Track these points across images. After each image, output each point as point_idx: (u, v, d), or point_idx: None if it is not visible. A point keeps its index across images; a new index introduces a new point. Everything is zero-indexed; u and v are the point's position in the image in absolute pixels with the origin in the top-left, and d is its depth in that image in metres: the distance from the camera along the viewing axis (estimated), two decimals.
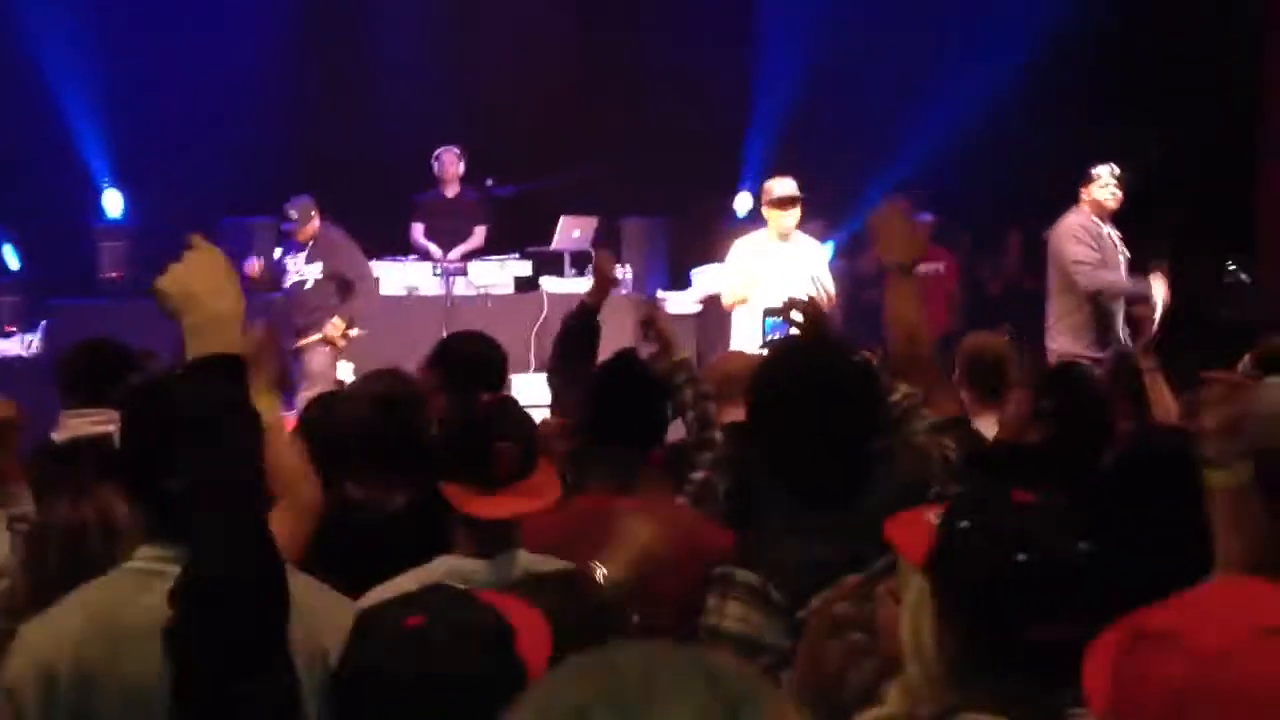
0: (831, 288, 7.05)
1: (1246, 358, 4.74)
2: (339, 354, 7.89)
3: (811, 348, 2.78)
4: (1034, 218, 11.57)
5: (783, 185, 7.05)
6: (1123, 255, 6.93)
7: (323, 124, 10.95)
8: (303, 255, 8.18)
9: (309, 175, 10.61)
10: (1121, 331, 6.75)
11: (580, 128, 11.39)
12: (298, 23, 11.07)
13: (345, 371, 7.64)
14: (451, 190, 9.66)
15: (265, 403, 2.49)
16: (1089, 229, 6.85)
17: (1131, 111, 10.54)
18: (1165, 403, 4.30)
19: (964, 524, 1.72)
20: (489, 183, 9.92)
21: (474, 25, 11.53)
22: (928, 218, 11.58)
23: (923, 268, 11.10)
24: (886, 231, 3.15)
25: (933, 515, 1.81)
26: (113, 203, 9.82)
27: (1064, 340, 6.83)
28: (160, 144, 10.17)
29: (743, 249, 7.10)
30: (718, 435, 3.36)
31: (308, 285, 8.07)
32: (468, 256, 9.42)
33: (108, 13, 10.22)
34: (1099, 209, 6.89)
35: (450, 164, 9.60)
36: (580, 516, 2.83)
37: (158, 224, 9.63)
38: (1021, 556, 1.65)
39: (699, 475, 3.27)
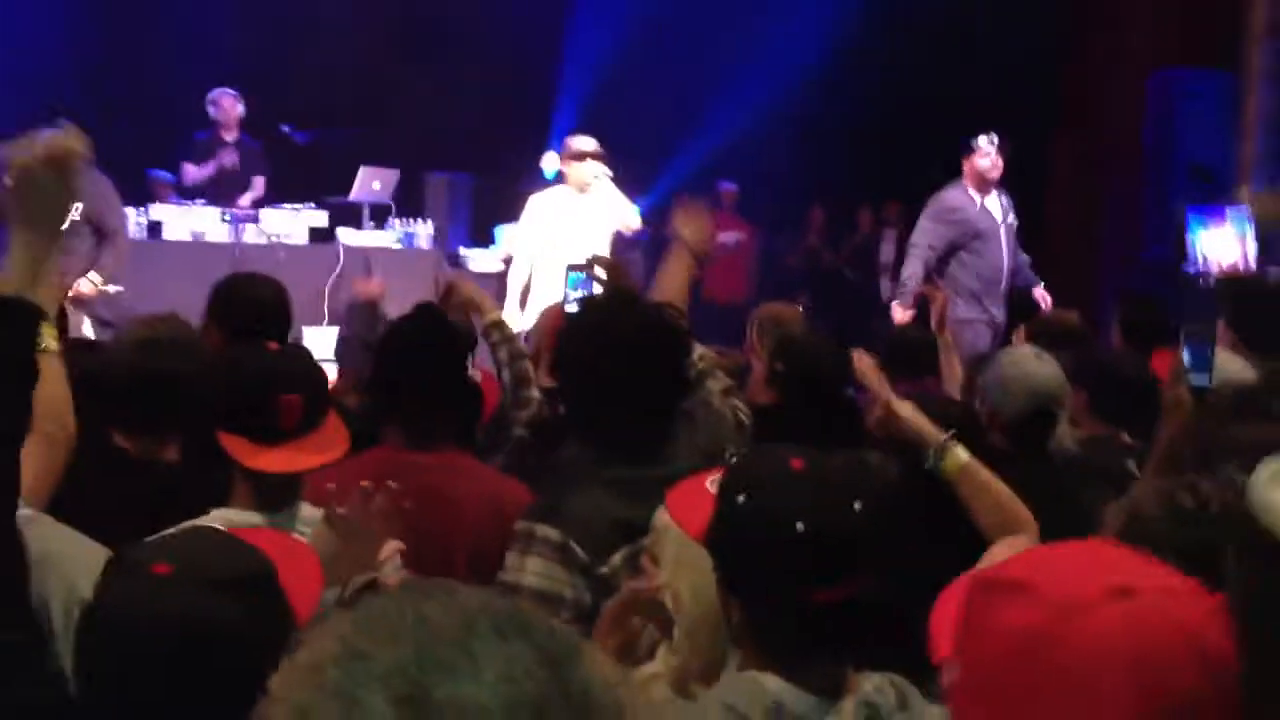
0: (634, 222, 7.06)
1: (1020, 328, 4.96)
2: (83, 310, 7.21)
3: (621, 302, 2.73)
4: (836, 194, 11.95)
5: (581, 140, 7.05)
6: (1005, 224, 6.94)
7: (106, 62, 10.39)
8: None
9: (80, 104, 10.06)
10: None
11: (387, 79, 11.10)
12: None
13: (88, 329, 7.03)
14: (231, 135, 9.09)
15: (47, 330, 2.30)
16: (954, 205, 6.89)
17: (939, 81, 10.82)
18: (955, 375, 4.40)
19: (741, 498, 1.74)
20: (286, 129, 9.55)
21: None
22: (730, 187, 11.77)
23: (723, 237, 11.35)
24: (688, 220, 3.27)
25: (710, 484, 1.83)
26: None
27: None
28: None
29: (540, 204, 7.05)
30: (534, 394, 3.31)
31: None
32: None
33: None
34: (979, 179, 6.88)
35: (229, 107, 9.01)
36: (368, 469, 2.71)
37: None
38: (800, 526, 1.68)
39: (515, 433, 3.22)
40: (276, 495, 2.40)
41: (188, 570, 1.54)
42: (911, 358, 4.47)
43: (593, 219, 6.86)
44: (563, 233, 6.74)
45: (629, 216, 7.05)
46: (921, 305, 6.35)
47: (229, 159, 8.93)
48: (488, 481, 2.97)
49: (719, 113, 11.62)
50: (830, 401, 3.31)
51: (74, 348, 3.02)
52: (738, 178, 11.60)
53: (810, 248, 11.77)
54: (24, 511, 1.98)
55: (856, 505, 1.72)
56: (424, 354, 2.96)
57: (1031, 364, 3.36)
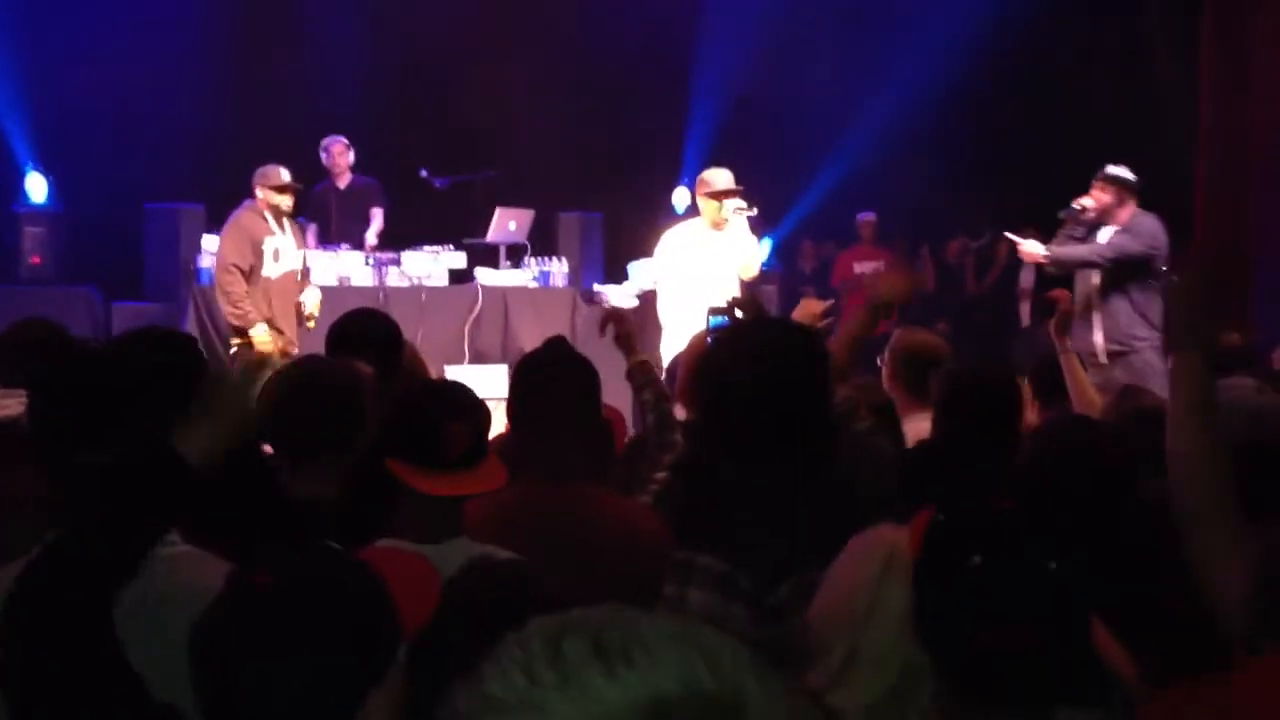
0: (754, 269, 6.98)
1: None
2: None
3: (762, 327, 2.71)
4: (972, 221, 11.79)
5: (718, 175, 6.92)
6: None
7: (248, 111, 10.76)
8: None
9: (234, 162, 10.45)
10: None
11: (519, 121, 11.31)
12: (224, 7, 10.87)
13: None
14: (343, 181, 9.36)
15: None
16: (1157, 229, 6.71)
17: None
18: (1082, 386, 4.25)
19: (939, 518, 1.71)
20: (423, 173, 9.79)
21: (408, 12, 11.38)
22: (868, 216, 11.67)
23: (860, 268, 11.26)
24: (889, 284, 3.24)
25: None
26: (36, 187, 9.56)
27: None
28: (85, 128, 9.95)
29: (674, 240, 7.02)
30: (678, 437, 3.29)
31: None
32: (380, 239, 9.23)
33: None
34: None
35: (339, 154, 9.28)
36: (512, 502, 2.75)
37: (82, 209, 9.43)
38: (977, 559, 1.64)
39: (660, 475, 3.20)
40: (440, 526, 2.43)
41: (289, 583, 1.56)
42: (1058, 381, 4.34)
43: (725, 256, 6.77)
44: (695, 269, 6.69)
45: (752, 261, 6.93)
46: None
47: (336, 207, 9.26)
48: (626, 514, 2.98)
49: (854, 140, 11.56)
50: (1000, 435, 3.24)
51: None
52: (874, 205, 11.52)
53: (949, 275, 11.59)
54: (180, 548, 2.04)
55: (1051, 564, 1.66)
56: (559, 386, 2.97)
57: (1252, 396, 3.01)
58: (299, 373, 3.10)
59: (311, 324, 7.46)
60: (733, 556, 2.30)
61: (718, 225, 6.82)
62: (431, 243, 9.25)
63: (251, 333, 7.25)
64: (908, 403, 4.04)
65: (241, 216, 7.50)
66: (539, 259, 9.45)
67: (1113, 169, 6.75)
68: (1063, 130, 10.80)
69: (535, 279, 9.33)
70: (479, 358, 8.70)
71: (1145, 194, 6.81)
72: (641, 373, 3.52)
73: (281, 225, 7.52)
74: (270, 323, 7.35)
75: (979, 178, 11.37)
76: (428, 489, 2.38)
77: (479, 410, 2.54)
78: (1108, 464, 2.78)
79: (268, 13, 11.08)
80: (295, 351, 7.11)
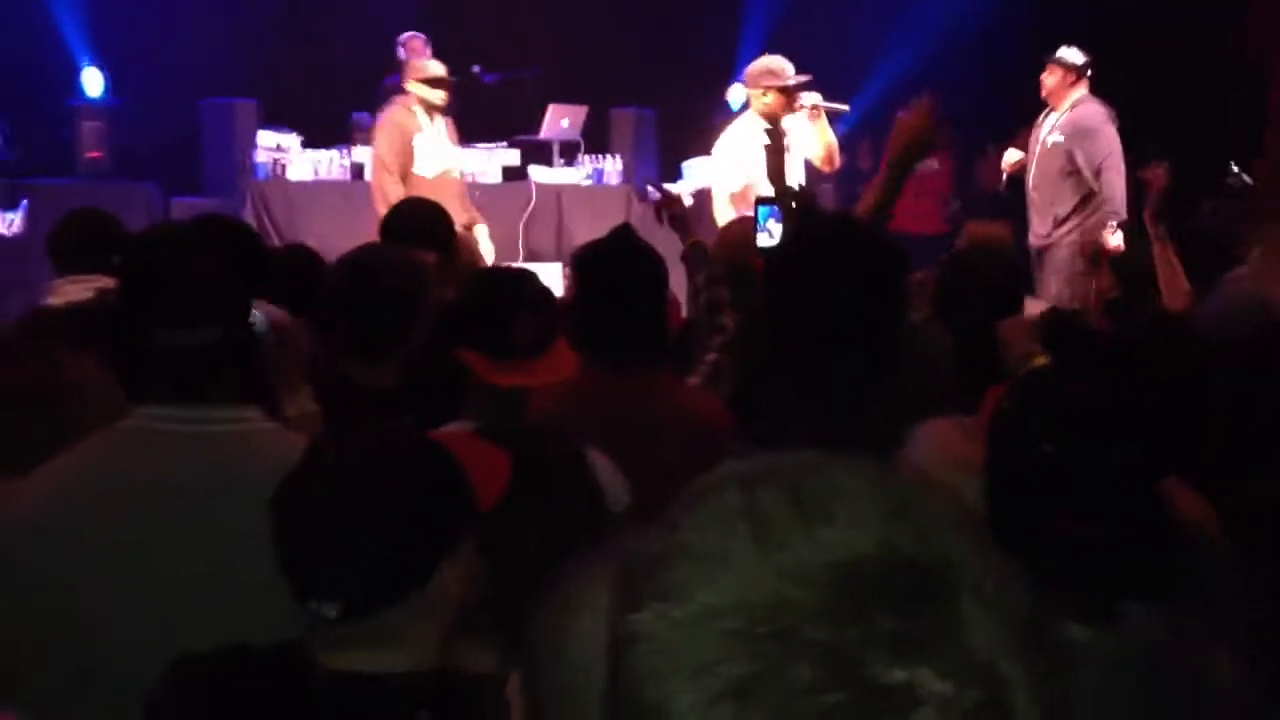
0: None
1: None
2: None
3: (844, 224, 2.64)
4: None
5: (788, 66, 6.37)
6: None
7: (308, 6, 10.72)
8: None
9: (291, 57, 10.44)
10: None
11: (569, 15, 11.17)
12: None
13: None
14: None
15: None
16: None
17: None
18: (1177, 277, 4.18)
19: (1006, 405, 1.69)
20: (476, 69, 9.70)
21: None
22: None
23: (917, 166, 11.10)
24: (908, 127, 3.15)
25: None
26: (92, 81, 9.60)
27: None
28: (140, 22, 9.94)
29: (736, 138, 6.75)
30: (728, 320, 3.31)
31: None
32: None
33: None
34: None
35: (418, 50, 9.21)
36: (580, 391, 2.77)
37: (139, 105, 9.47)
38: (1048, 447, 1.61)
39: (710, 358, 3.23)
40: (505, 414, 2.45)
41: (364, 455, 1.60)
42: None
43: (792, 152, 6.37)
44: (756, 165, 6.48)
45: (833, 152, 6.52)
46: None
47: None
48: (693, 402, 3.00)
49: (916, 33, 11.32)
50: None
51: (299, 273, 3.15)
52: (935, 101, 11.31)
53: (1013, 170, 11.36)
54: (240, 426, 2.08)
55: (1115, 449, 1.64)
56: (626, 275, 2.97)
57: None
58: (356, 262, 3.11)
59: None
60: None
61: (775, 119, 6.36)
62: (485, 140, 9.22)
63: None
64: None
65: (394, 112, 7.05)
66: (593, 156, 9.40)
67: (1062, 50, 6.83)
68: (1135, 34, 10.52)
69: (589, 177, 9.29)
70: (533, 256, 8.71)
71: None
72: (696, 254, 3.53)
73: (433, 121, 7.05)
74: None
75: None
76: (496, 379, 2.40)
77: (548, 299, 2.55)
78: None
79: None
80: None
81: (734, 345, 3.33)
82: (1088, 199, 6.65)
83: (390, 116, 6.99)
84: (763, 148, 6.11)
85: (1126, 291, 4.37)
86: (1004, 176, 6.92)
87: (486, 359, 2.40)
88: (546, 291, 2.58)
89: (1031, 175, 6.82)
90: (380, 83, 9.27)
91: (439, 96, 6.97)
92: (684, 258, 3.55)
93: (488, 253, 6.88)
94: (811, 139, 6.47)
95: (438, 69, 7.02)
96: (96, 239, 4.08)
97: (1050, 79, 6.79)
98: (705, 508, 0.77)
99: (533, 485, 1.77)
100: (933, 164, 11.03)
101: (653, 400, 2.90)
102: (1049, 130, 6.83)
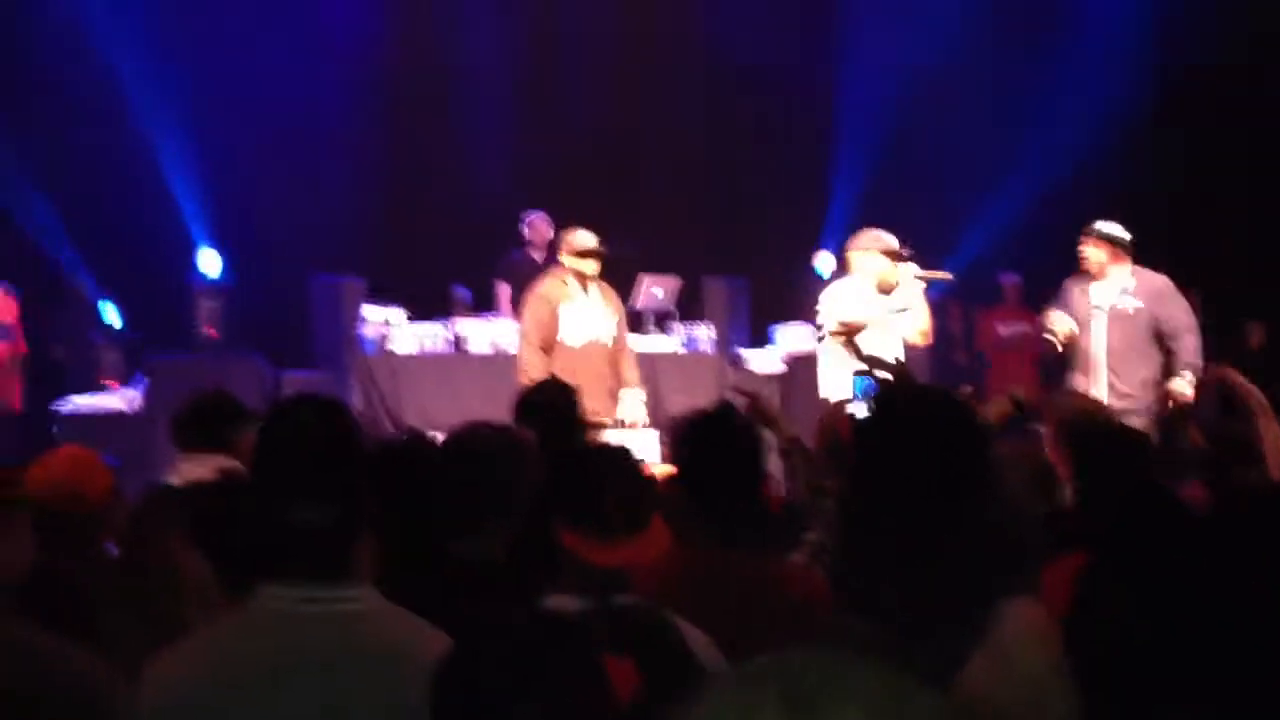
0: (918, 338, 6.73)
1: None
2: None
3: (920, 394, 2.72)
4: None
5: (892, 237, 6.63)
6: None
7: (410, 186, 11.24)
8: None
9: (397, 237, 10.91)
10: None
11: (662, 188, 11.54)
12: (388, 86, 11.39)
13: None
14: (540, 255, 9.72)
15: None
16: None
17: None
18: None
19: (1110, 585, 1.72)
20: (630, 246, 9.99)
21: (557, 87, 11.76)
22: (1013, 278, 11.56)
23: (1005, 330, 11.13)
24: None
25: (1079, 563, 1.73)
26: (209, 262, 10.10)
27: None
28: (255, 204, 10.50)
29: (840, 295, 6.67)
30: (829, 503, 3.39)
31: None
32: None
33: (206, 77, 10.59)
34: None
35: (541, 229, 9.66)
36: (679, 573, 2.85)
37: (252, 283, 9.93)
38: (1152, 633, 1.61)
39: (812, 536, 3.29)
40: (606, 594, 2.54)
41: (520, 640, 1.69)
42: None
43: (893, 318, 6.57)
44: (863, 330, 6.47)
45: (926, 326, 6.66)
46: None
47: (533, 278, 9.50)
48: (794, 577, 3.06)
49: (1000, 200, 11.50)
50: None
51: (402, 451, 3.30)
52: (1022, 267, 11.42)
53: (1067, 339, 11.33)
54: (362, 605, 2.21)
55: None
56: (731, 452, 3.06)
57: None
58: (459, 439, 3.27)
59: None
60: (880, 617, 2.37)
61: (886, 288, 6.59)
62: None
63: None
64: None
65: (543, 284, 7.20)
66: (686, 324, 9.60)
67: (1103, 225, 7.08)
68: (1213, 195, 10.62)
69: (683, 345, 9.47)
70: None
71: None
72: (795, 448, 3.64)
73: (586, 290, 7.12)
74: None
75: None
76: (588, 555, 2.48)
77: (640, 475, 2.64)
78: None
79: (426, 91, 11.56)
80: (607, 423, 6.82)
81: (836, 527, 3.36)
82: (1166, 362, 6.89)
83: (538, 288, 7.16)
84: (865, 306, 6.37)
85: (1222, 458, 4.34)
86: (1058, 342, 7.03)
87: (581, 536, 2.49)
88: (639, 465, 2.68)
89: (1105, 340, 6.97)
90: (504, 257, 9.70)
91: (590, 267, 7.09)
92: (783, 453, 3.67)
93: (637, 416, 7.16)
94: (909, 314, 6.59)
95: (587, 241, 7.12)
96: (216, 418, 4.29)
97: (1098, 252, 7.04)
98: (715, 694, 0.86)
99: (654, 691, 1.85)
100: (1023, 328, 11.05)
101: (757, 576, 2.95)
102: (1119, 295, 7.01)
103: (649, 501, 2.56)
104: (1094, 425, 4.01)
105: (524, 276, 9.58)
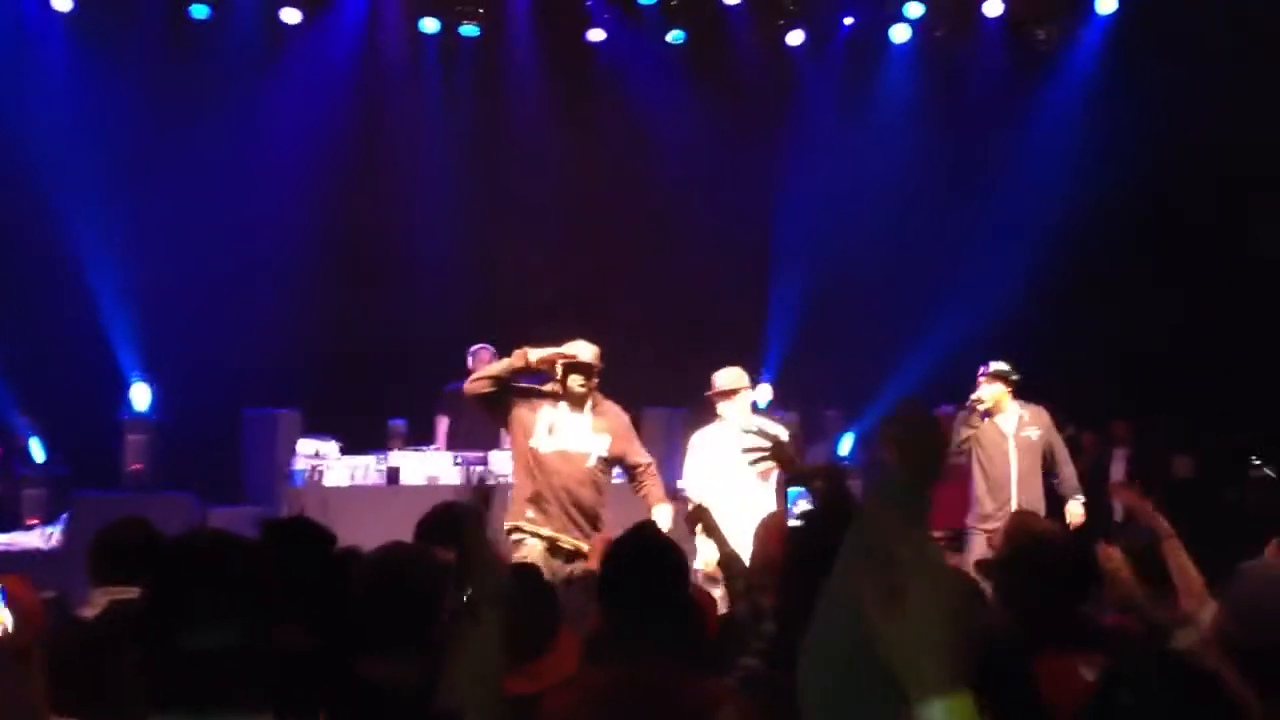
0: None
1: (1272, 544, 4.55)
2: None
3: (845, 512, 2.67)
4: (1073, 413, 11.68)
5: (724, 377, 7.30)
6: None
7: (347, 319, 11.18)
8: None
9: (331, 369, 10.81)
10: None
11: (601, 319, 11.57)
12: (325, 216, 11.40)
13: None
14: None
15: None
16: None
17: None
18: (1190, 578, 4.13)
19: (1128, 699, 1.62)
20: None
21: (500, 224, 11.84)
22: (948, 410, 11.60)
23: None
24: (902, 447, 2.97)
25: (1087, 671, 1.73)
26: (140, 396, 9.95)
27: None
28: (186, 338, 10.38)
29: (702, 440, 7.25)
30: (771, 627, 3.28)
31: None
32: None
33: (139, 206, 10.55)
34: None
35: (486, 360, 9.66)
36: (595, 689, 2.76)
37: (183, 417, 9.77)
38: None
39: (749, 662, 3.19)
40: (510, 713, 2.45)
41: None
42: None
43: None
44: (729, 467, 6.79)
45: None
46: None
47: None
48: (706, 697, 2.97)
49: (936, 334, 11.61)
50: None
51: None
52: (957, 400, 11.49)
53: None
54: None
55: None
56: (648, 569, 3.00)
57: None
58: (376, 563, 3.18)
59: None
60: None
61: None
62: None
63: None
64: None
65: (533, 389, 6.81)
66: None
67: (998, 364, 8.09)
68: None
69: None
70: None
71: None
72: (730, 564, 3.57)
73: (579, 405, 6.71)
74: (535, 498, 6.60)
75: (1059, 369, 11.34)
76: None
77: (539, 598, 2.57)
78: None
79: (362, 221, 11.58)
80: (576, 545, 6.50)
81: (773, 652, 3.22)
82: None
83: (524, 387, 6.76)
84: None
85: (1148, 589, 4.29)
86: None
87: None
88: (543, 590, 2.61)
89: (1015, 466, 7.92)
90: (446, 388, 9.65)
91: (576, 381, 6.66)
92: (720, 565, 3.58)
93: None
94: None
95: (575, 351, 6.71)
96: (133, 548, 4.12)
97: (996, 388, 8.04)
98: None
99: None
100: (962, 460, 11.05)
101: (670, 695, 2.87)
102: (1021, 426, 8.01)
103: (551, 625, 2.49)
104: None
105: (465, 408, 9.57)
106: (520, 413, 6.63)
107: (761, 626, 3.34)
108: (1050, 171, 11.45)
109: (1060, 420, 11.45)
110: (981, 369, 8.13)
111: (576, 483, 6.61)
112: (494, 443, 9.47)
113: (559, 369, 6.64)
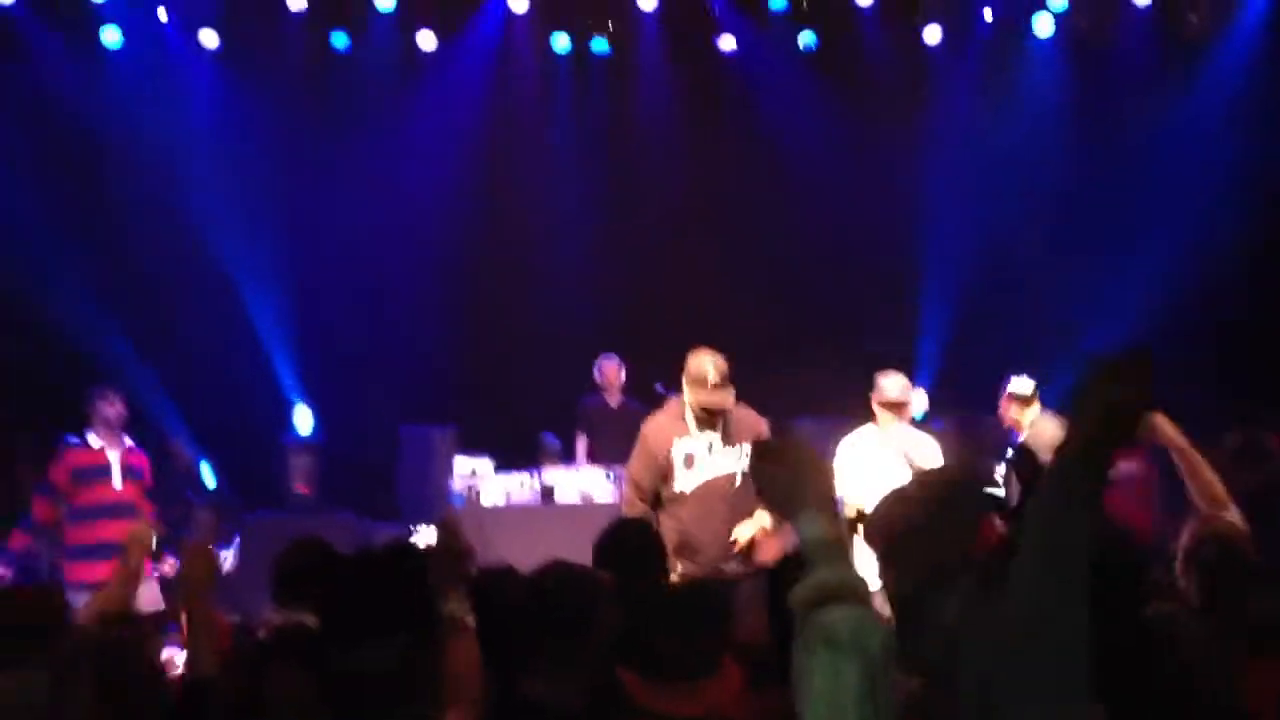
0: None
1: None
2: None
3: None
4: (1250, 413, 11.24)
5: (893, 385, 7.11)
6: None
7: (498, 336, 11.37)
8: None
9: (486, 386, 11.00)
10: None
11: (744, 331, 11.53)
12: (465, 237, 11.57)
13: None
14: (615, 399, 9.81)
15: (456, 604, 2.57)
16: None
17: None
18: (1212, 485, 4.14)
19: None
20: (659, 387, 10.05)
21: (636, 236, 11.88)
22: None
23: (1112, 472, 10.83)
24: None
25: None
26: (303, 419, 10.26)
27: None
28: (346, 358, 10.66)
29: (856, 445, 7.10)
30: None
31: None
32: None
33: (289, 237, 10.89)
34: None
35: (612, 372, 9.79)
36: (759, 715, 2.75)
37: (343, 437, 10.05)
38: None
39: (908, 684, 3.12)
40: None
41: None
42: None
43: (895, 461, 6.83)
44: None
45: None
46: None
47: (609, 425, 9.57)
48: None
49: (1092, 337, 11.31)
50: None
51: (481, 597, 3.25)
52: None
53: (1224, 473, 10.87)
54: None
55: None
56: None
57: None
58: (534, 582, 3.22)
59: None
60: None
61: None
62: None
63: None
64: None
65: (651, 420, 6.28)
66: None
67: (1017, 385, 7.91)
68: None
69: None
70: None
71: None
72: None
73: (715, 426, 6.11)
74: (680, 548, 5.90)
75: (1226, 370, 10.95)
76: (650, 702, 2.41)
77: (708, 618, 2.55)
78: None
79: (509, 245, 11.76)
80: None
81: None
82: None
83: (644, 427, 6.23)
84: None
85: None
86: None
87: (640, 680, 2.41)
88: (711, 611, 2.59)
89: None
90: (577, 404, 9.77)
91: (716, 400, 6.07)
92: None
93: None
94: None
95: (702, 369, 6.14)
96: (309, 572, 4.13)
97: (1022, 409, 7.82)
98: None
99: None
100: (1130, 465, 10.73)
101: None
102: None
103: (716, 647, 2.48)
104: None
105: (598, 423, 9.66)
106: (653, 460, 6.08)
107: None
108: (1206, 166, 11.05)
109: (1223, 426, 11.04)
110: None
111: (725, 505, 6.03)
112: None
113: (698, 392, 6.07)
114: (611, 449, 9.44)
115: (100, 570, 6.85)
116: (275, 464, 9.93)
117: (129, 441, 8.05)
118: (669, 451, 6.05)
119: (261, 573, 4.59)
